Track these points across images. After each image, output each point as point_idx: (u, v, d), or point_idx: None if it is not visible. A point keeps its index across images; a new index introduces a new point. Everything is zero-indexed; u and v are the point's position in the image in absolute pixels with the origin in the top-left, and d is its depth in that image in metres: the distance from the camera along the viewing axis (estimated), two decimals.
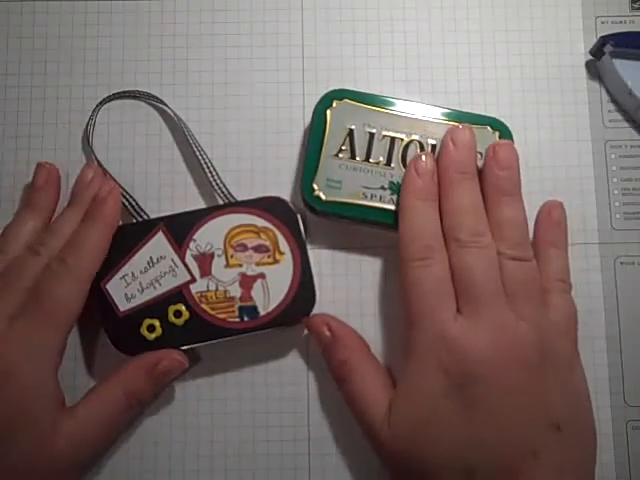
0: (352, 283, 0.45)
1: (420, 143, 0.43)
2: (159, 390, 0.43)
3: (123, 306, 0.42)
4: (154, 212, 0.45)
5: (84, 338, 0.44)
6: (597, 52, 0.46)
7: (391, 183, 0.43)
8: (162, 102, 0.46)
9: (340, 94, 0.44)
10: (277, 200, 0.43)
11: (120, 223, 0.43)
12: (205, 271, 0.42)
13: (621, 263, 0.45)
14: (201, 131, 0.46)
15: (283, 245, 0.42)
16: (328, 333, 0.42)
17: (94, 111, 0.46)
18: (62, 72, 0.47)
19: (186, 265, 0.42)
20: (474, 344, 0.38)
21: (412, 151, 0.43)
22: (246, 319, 0.41)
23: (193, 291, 0.42)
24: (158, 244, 0.42)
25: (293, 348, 0.44)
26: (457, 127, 0.42)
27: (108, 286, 0.42)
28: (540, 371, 0.38)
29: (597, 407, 0.43)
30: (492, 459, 0.37)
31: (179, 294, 0.42)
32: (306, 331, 0.44)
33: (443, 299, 0.39)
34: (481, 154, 0.43)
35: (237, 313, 0.41)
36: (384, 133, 0.43)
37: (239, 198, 0.43)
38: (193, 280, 0.42)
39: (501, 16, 0.48)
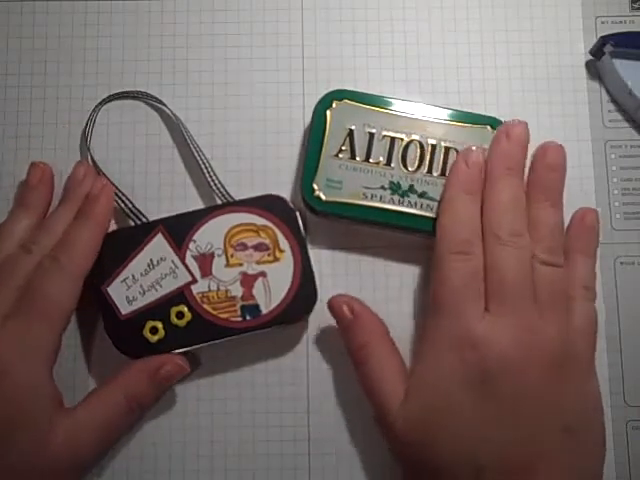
0: (352, 283, 0.45)
1: (420, 143, 0.43)
2: (160, 394, 0.43)
3: (125, 309, 0.42)
4: (154, 212, 0.45)
5: (84, 338, 0.44)
6: (597, 52, 0.46)
7: (391, 183, 0.43)
8: (161, 102, 0.46)
9: (340, 94, 0.44)
10: (275, 198, 0.43)
11: (118, 226, 0.43)
12: (206, 271, 0.42)
13: (621, 263, 0.45)
14: (201, 131, 0.46)
15: (283, 243, 0.42)
16: (350, 315, 0.42)
17: (93, 112, 0.46)
18: (62, 72, 0.47)
19: (186, 266, 0.42)
20: (497, 343, 0.38)
21: (412, 151, 0.43)
22: (248, 318, 0.41)
23: (194, 292, 0.42)
24: (158, 246, 0.42)
25: (293, 348, 0.44)
26: (513, 121, 0.43)
27: (109, 289, 0.42)
28: (559, 374, 0.38)
29: None
30: (503, 457, 0.37)
31: (181, 295, 0.42)
32: (306, 331, 0.44)
33: (473, 296, 0.39)
34: None
35: (239, 312, 0.41)
36: (384, 133, 0.43)
37: (239, 198, 0.43)
38: (194, 281, 0.42)
39: (501, 16, 0.48)
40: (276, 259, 0.42)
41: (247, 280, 0.42)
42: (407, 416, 0.39)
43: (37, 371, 0.39)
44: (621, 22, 0.47)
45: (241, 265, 0.42)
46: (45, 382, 0.39)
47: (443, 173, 0.43)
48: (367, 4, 0.48)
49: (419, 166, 0.43)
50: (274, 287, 0.42)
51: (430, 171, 0.43)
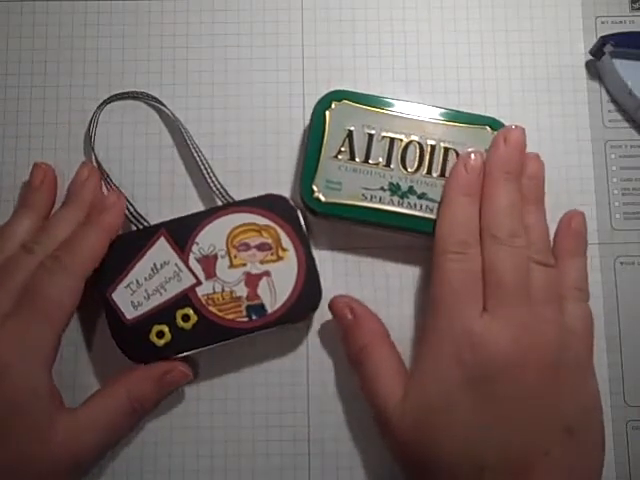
0: (352, 284, 0.45)
1: (419, 144, 0.43)
2: (162, 399, 0.43)
3: (130, 314, 0.42)
4: (155, 212, 0.45)
5: (85, 339, 0.44)
6: (597, 52, 0.46)
7: (391, 184, 0.43)
8: (161, 103, 0.46)
9: (339, 95, 0.44)
10: (277, 197, 0.43)
11: (120, 232, 0.43)
12: (210, 273, 0.42)
13: (621, 263, 0.45)
14: (201, 131, 0.46)
15: (286, 242, 0.42)
16: (350, 316, 0.42)
17: (95, 113, 0.46)
18: (62, 72, 0.47)
19: (190, 269, 0.42)
20: (496, 342, 0.38)
21: (411, 152, 0.43)
22: (254, 318, 0.41)
23: (199, 294, 0.42)
24: (161, 250, 0.42)
25: (293, 348, 0.44)
26: (511, 126, 0.43)
27: (114, 295, 0.42)
28: (557, 374, 0.38)
29: None
30: (503, 457, 0.37)
31: (186, 298, 0.42)
32: (306, 331, 0.44)
33: (471, 296, 0.39)
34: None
35: (245, 313, 0.41)
36: (383, 134, 0.43)
37: (240, 198, 0.43)
38: (198, 283, 0.42)
39: (501, 16, 0.48)
40: (279, 258, 0.42)
41: (251, 280, 0.42)
42: (405, 415, 0.39)
43: (36, 371, 0.39)
44: (621, 22, 0.47)
45: (245, 265, 0.42)
46: (44, 382, 0.39)
47: (443, 174, 0.43)
48: (367, 4, 0.48)
49: (418, 167, 0.43)
50: (279, 286, 0.42)
51: (430, 172, 0.43)
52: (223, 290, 0.42)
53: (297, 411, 0.44)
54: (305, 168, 0.43)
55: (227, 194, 0.44)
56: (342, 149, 0.43)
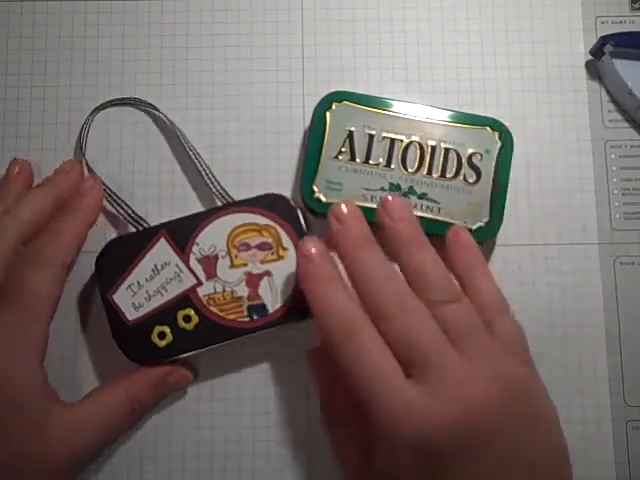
0: None
1: (420, 144, 0.43)
2: (161, 400, 0.43)
3: (131, 315, 0.41)
4: (154, 212, 0.45)
5: (85, 339, 0.44)
6: (597, 52, 0.46)
7: (391, 184, 0.43)
8: (155, 108, 0.46)
9: (339, 96, 0.44)
10: (277, 197, 0.43)
11: (119, 233, 0.43)
12: (210, 273, 0.42)
13: (621, 263, 0.45)
14: (201, 131, 0.46)
15: (286, 241, 0.42)
16: None
17: (87, 120, 0.46)
18: (62, 72, 0.47)
19: (191, 269, 0.42)
20: (433, 413, 0.34)
21: (412, 152, 0.43)
22: (256, 318, 0.41)
23: (200, 294, 0.42)
24: (161, 251, 0.42)
25: (293, 348, 0.44)
26: (338, 205, 0.39)
27: (115, 296, 0.42)
28: (505, 412, 0.36)
29: (597, 407, 0.44)
30: None
31: (187, 299, 0.42)
32: (306, 331, 0.44)
33: (387, 367, 0.36)
34: (480, 155, 0.43)
35: (246, 313, 0.41)
36: (384, 134, 0.43)
37: (240, 198, 0.43)
38: (199, 283, 0.42)
39: (501, 16, 0.48)
40: (280, 257, 0.42)
41: (252, 280, 0.42)
42: None
43: (28, 367, 0.38)
44: (621, 22, 0.47)
45: (245, 265, 0.42)
46: (38, 377, 0.38)
47: (443, 174, 0.43)
48: (367, 4, 0.48)
49: (419, 167, 0.43)
50: (280, 286, 0.42)
51: (430, 172, 0.43)
52: (224, 290, 0.42)
53: (297, 411, 0.44)
54: (306, 169, 0.43)
55: (227, 194, 0.44)
56: (343, 150, 0.43)
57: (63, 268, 0.40)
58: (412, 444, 0.35)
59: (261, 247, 0.42)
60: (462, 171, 0.43)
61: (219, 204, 0.44)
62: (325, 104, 0.44)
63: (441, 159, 0.43)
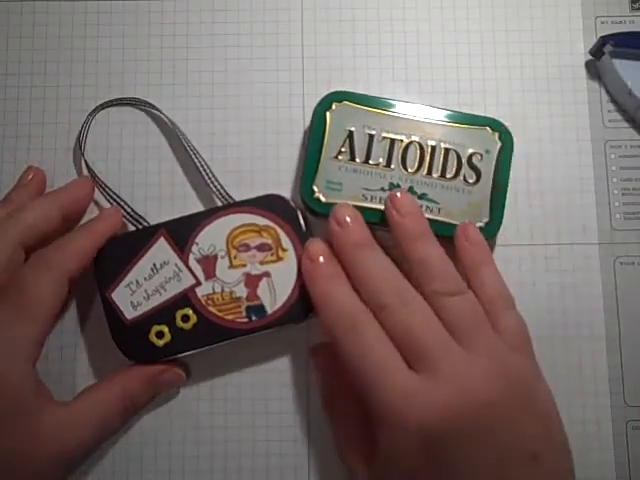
0: None
1: (420, 144, 0.43)
2: (153, 398, 0.43)
3: (130, 314, 0.41)
4: (154, 211, 0.45)
5: (84, 339, 0.44)
6: (597, 52, 0.46)
7: (391, 184, 0.43)
8: (155, 108, 0.46)
9: (339, 96, 0.44)
10: (276, 198, 0.43)
11: (119, 232, 0.43)
12: (209, 273, 0.42)
13: (621, 263, 0.45)
14: (201, 131, 0.46)
15: (285, 242, 0.42)
16: None
17: (87, 119, 0.46)
18: (62, 72, 0.47)
19: (190, 269, 0.42)
20: (434, 402, 0.35)
21: (412, 152, 0.43)
22: (254, 318, 0.41)
23: (199, 294, 0.42)
24: (161, 250, 0.42)
25: (293, 348, 0.44)
26: (338, 209, 0.41)
27: (113, 295, 0.42)
28: (507, 405, 0.36)
29: (597, 407, 0.44)
30: None
31: (185, 298, 0.42)
32: (306, 331, 0.44)
33: (389, 358, 0.37)
34: (480, 155, 0.43)
35: (245, 313, 0.41)
36: (384, 135, 0.43)
37: (240, 198, 0.43)
38: (198, 283, 0.42)
39: (501, 16, 0.48)
40: (279, 259, 0.42)
41: (251, 281, 0.42)
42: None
43: (19, 367, 0.38)
44: (621, 22, 0.47)
45: (244, 266, 0.42)
46: (29, 377, 0.38)
47: (443, 175, 0.43)
48: (367, 4, 0.48)
49: (419, 167, 0.43)
50: (278, 287, 0.42)
51: (430, 172, 0.43)
52: (223, 290, 0.42)
53: (297, 411, 0.44)
54: (306, 169, 0.43)
55: (227, 194, 0.44)
56: (342, 150, 0.43)
57: (65, 278, 0.40)
58: (414, 432, 0.35)
59: (260, 248, 0.42)
60: (462, 171, 0.43)
61: (219, 204, 0.44)
62: (325, 104, 0.44)
63: (441, 159, 0.43)
